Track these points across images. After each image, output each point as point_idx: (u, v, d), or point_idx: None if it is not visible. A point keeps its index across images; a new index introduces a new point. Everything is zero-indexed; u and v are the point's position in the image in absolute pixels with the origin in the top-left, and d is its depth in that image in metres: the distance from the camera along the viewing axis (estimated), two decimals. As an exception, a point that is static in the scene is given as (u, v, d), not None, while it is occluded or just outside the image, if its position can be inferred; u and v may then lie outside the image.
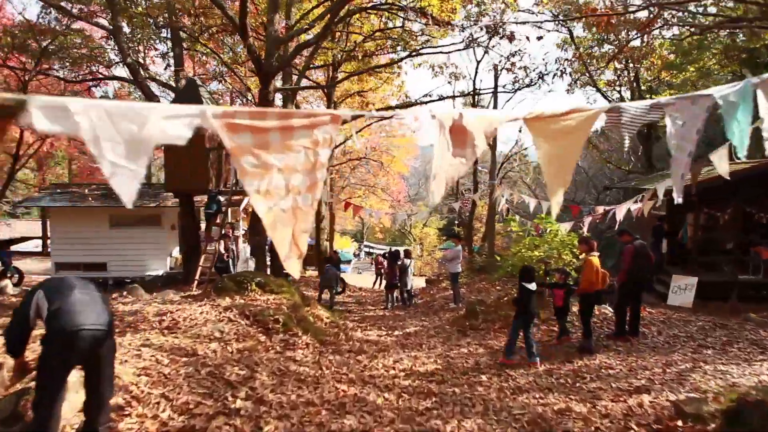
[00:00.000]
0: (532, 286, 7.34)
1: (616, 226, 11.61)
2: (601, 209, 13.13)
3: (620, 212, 11.81)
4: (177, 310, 7.20)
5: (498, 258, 11.65)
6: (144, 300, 8.21)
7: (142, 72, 14.39)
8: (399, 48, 21.75)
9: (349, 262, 46.52)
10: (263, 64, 10.80)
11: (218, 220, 12.10)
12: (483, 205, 34.53)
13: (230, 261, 10.83)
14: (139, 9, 14.10)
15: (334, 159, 27.20)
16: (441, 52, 17.83)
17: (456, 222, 45.31)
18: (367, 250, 57.57)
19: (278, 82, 15.63)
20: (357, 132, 22.78)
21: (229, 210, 14.47)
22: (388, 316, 12.75)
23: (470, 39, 16.06)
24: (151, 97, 13.39)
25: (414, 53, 18.10)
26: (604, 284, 8.17)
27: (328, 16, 11.19)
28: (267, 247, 14.26)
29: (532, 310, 7.32)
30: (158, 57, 16.78)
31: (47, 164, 32.32)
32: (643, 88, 20.16)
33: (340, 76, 22.30)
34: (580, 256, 9.15)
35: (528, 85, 15.72)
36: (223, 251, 10.51)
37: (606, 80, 21.70)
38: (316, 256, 21.83)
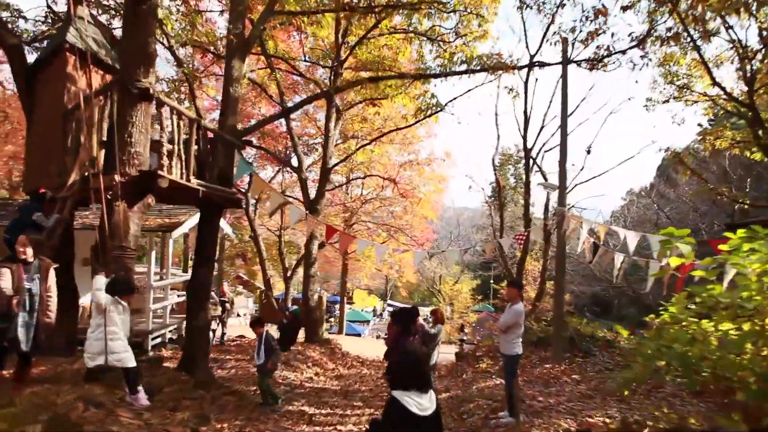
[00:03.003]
0: (418, 405, 2.62)
1: None
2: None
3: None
4: None
5: (645, 336, 5.27)
6: None
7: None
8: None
9: (366, 322, 40.21)
10: None
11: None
12: (537, 253, 28.10)
13: (21, 317, 4.97)
14: None
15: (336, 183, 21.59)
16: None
17: (500, 275, 38.46)
18: (391, 309, 51.11)
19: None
20: (371, 142, 17.12)
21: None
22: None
23: None
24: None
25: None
26: None
27: None
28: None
29: None
30: None
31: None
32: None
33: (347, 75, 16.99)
34: None
35: (621, 52, 9.89)
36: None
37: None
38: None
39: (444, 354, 19.36)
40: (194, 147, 6.81)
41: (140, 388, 5.43)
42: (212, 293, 13.31)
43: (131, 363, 5.17)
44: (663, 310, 4.67)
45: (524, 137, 15.79)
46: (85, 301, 12.25)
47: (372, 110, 18.09)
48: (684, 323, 4.34)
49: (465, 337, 25.74)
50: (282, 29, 17.32)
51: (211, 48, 14.19)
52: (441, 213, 46.40)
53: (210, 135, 7.97)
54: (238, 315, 31.99)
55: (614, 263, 8.86)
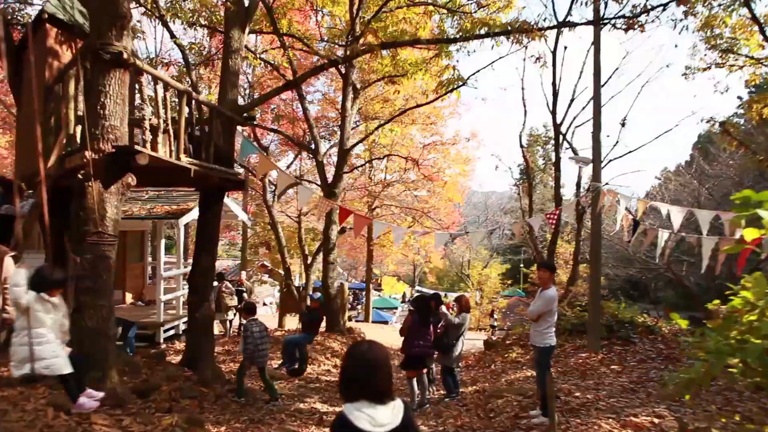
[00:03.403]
0: (371, 420, 1.98)
1: None
2: None
3: None
4: None
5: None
6: None
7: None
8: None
9: (394, 309, 39.61)
10: None
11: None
12: (568, 235, 26.99)
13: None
14: None
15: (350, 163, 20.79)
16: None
17: (530, 259, 37.30)
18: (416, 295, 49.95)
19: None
20: (390, 120, 16.28)
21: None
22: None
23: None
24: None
25: None
26: None
27: None
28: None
29: None
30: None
31: None
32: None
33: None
34: None
35: (661, 5, 8.86)
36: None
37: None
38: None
39: (473, 340, 18.62)
40: (185, 122, 6.15)
41: (89, 390, 4.70)
42: (227, 283, 12.80)
43: (65, 369, 4.38)
44: (731, 294, 3.81)
45: (553, 111, 14.77)
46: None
47: (391, 89, 17.23)
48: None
49: (495, 323, 24.87)
50: (298, 9, 16.62)
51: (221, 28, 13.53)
52: (467, 197, 45.23)
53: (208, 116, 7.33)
54: (264, 304, 31.72)
55: (658, 242, 7.95)
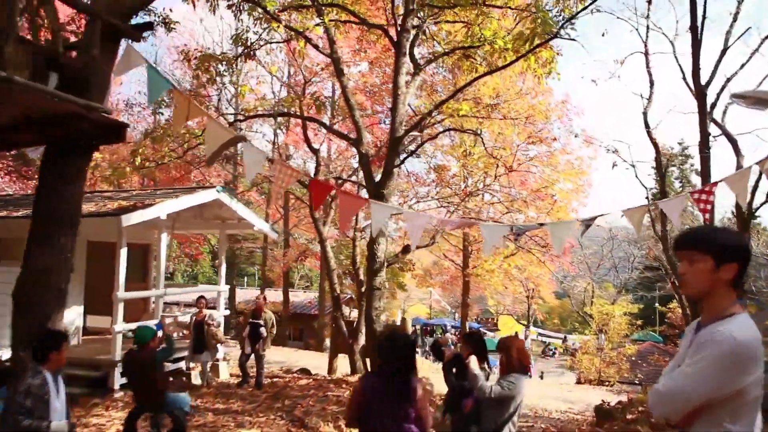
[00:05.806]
0: None
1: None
2: None
3: None
4: None
5: None
6: None
7: None
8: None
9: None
10: None
11: None
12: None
13: None
14: None
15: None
16: None
17: (666, 295, 30.28)
18: (543, 339, 43.10)
19: None
20: (450, 97, 12.28)
21: None
22: None
23: None
24: None
25: None
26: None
27: None
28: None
29: None
30: None
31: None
32: None
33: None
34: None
35: None
36: None
37: None
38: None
39: (585, 399, 13.75)
40: None
41: None
42: (210, 312, 9.28)
43: None
44: None
45: (694, 70, 10.06)
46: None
47: (466, 65, 13.31)
48: None
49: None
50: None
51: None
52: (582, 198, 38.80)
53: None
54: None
55: None
